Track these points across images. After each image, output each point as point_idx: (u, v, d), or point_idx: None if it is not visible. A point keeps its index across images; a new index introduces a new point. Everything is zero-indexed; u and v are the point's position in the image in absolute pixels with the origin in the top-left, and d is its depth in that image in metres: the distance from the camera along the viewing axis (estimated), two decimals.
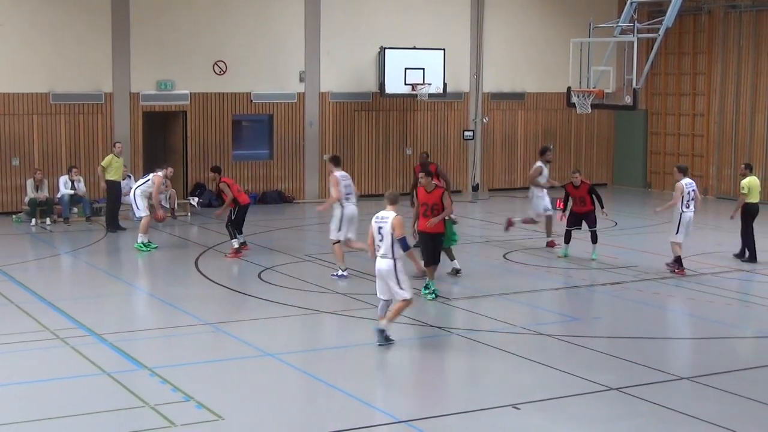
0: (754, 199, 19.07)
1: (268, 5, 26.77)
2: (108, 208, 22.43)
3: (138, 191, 19.97)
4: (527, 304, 15.63)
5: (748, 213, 19.04)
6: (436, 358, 12.89)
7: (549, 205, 20.12)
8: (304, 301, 15.57)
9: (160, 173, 20.25)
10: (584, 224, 19.12)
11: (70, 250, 20.22)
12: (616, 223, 23.16)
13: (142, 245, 19.55)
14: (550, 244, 20.09)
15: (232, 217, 19.14)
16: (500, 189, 30.19)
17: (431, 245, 15.79)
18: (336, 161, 17.90)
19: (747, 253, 19.08)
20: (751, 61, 28.21)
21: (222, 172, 20.14)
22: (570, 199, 19.20)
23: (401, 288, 12.90)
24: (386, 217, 12.96)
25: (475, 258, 19.18)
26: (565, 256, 19.14)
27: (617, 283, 17.25)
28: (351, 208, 17.24)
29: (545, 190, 20.16)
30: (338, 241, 17.16)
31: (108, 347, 12.88)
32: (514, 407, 10.73)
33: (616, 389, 11.32)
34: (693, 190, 17.75)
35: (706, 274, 18.00)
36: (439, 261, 16.02)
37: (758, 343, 13.90)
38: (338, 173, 17.32)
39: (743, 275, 18.04)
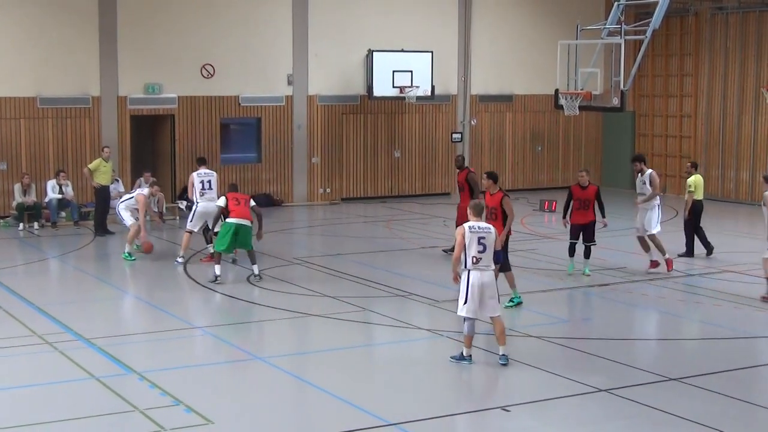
0: (699, 196, 19.53)
1: (256, 8, 26.74)
2: (96, 213, 22.35)
3: (122, 206, 19.62)
4: (516, 306, 15.62)
5: (695, 210, 19.51)
6: (425, 360, 12.90)
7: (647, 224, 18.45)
8: (292, 304, 15.56)
9: (144, 191, 19.68)
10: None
11: (59, 255, 20.16)
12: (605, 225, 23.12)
13: (129, 255, 19.32)
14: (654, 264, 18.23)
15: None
16: None
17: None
18: (200, 161, 19.61)
19: (687, 250, 19.49)
20: (737, 63, 28.31)
21: None
22: (572, 202, 17.76)
23: (499, 301, 12.40)
24: (488, 228, 12.24)
25: None
26: (571, 272, 17.92)
27: (606, 284, 17.27)
28: (204, 204, 18.67)
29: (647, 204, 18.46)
30: (190, 232, 18.77)
31: (97, 352, 12.84)
32: (504, 409, 10.75)
33: (605, 390, 11.34)
34: None
35: (693, 275, 18.08)
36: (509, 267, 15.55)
37: (746, 344, 13.93)
38: (195, 172, 19.09)
39: (732, 276, 18.04)
